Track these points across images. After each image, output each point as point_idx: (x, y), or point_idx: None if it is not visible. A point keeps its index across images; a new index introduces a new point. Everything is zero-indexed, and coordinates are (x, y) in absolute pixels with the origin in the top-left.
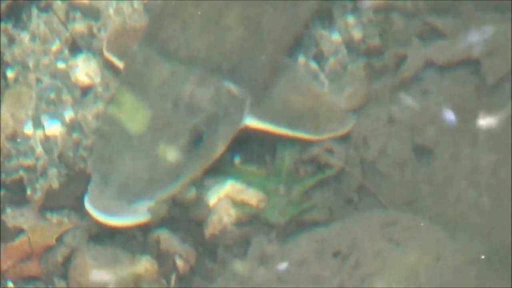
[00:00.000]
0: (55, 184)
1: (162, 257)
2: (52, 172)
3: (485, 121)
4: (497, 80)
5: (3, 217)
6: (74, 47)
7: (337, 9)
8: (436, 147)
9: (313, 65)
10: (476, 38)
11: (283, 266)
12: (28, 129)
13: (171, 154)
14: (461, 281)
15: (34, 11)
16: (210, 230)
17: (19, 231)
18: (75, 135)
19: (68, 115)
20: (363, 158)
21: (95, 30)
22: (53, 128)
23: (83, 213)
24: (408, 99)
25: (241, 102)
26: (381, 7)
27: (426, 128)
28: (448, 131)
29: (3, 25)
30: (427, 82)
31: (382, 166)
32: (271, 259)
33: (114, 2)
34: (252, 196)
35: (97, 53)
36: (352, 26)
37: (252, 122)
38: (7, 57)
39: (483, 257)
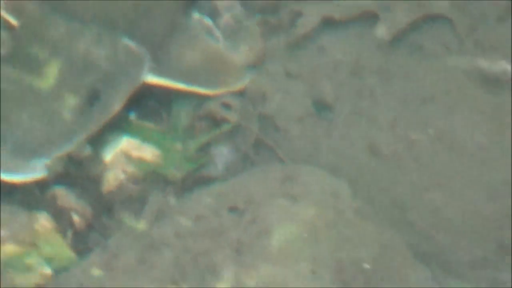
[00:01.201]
0: None
1: (59, 214)
2: None
3: (383, 76)
4: (394, 35)
5: None
6: None
7: None
8: (335, 102)
9: (208, 22)
10: None
11: (180, 221)
12: None
13: (67, 112)
14: (361, 236)
15: None
16: (106, 186)
17: None
18: None
19: None
20: (261, 113)
21: None
22: None
23: None
24: (305, 56)
25: (139, 59)
26: None
27: (325, 84)
28: (347, 87)
29: None
30: (323, 39)
31: (280, 121)
32: (168, 215)
33: None
34: (148, 153)
35: None
36: None
37: (150, 79)
38: None
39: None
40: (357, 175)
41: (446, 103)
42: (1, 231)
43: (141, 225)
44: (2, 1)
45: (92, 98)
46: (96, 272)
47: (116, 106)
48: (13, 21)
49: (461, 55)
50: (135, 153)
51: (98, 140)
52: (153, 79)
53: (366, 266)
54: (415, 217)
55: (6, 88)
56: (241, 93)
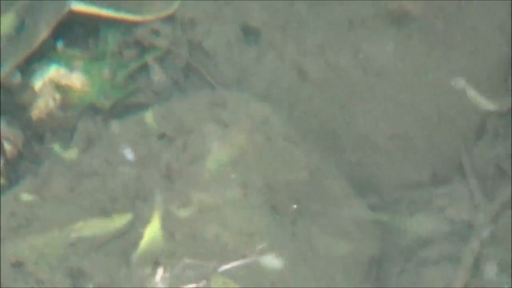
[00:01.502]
0: None
1: None
2: None
3: (311, 1)
4: None
5: None
6: None
7: None
8: (264, 27)
9: None
10: None
11: (109, 149)
12: None
13: None
14: (291, 161)
15: None
16: (36, 114)
17: None
18: None
19: None
20: (189, 39)
21: None
22: None
23: None
24: None
25: None
26: None
27: (253, 9)
28: (275, 12)
29: None
30: None
31: (210, 47)
32: (97, 142)
33: None
34: (76, 80)
35: None
36: None
37: (76, 6)
38: None
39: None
40: (286, 101)
41: (374, 27)
42: None
43: (71, 153)
44: None
45: (21, 26)
46: (27, 198)
47: (42, 34)
48: None
49: None
50: (63, 81)
51: (27, 69)
52: (79, 7)
53: (294, 206)
54: (345, 142)
55: None
56: (170, 19)
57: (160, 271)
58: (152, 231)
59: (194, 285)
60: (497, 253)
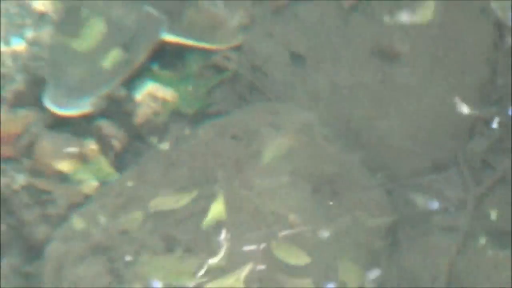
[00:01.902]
0: (21, 87)
1: (102, 140)
2: (19, 78)
3: (341, 33)
4: (351, 4)
5: None
6: None
7: None
8: (309, 54)
9: None
10: None
11: (193, 146)
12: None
13: (106, 62)
14: (327, 155)
15: None
16: (137, 119)
17: None
18: (34, 50)
19: (29, 34)
20: (252, 63)
21: None
22: (18, 45)
23: (43, 108)
24: (283, 20)
25: (157, 22)
26: None
27: (299, 40)
28: (315, 42)
29: None
30: (297, 8)
31: (267, 69)
32: (184, 141)
33: None
34: (168, 94)
35: None
36: None
37: (167, 37)
38: None
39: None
40: (324, 109)
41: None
42: (59, 153)
43: (163, 148)
44: None
45: (124, 51)
46: (130, 183)
47: (141, 57)
48: None
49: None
50: (158, 94)
51: (130, 85)
52: (169, 37)
53: (330, 203)
54: (367, 140)
55: (59, 45)
56: (237, 48)
57: (224, 234)
58: (221, 206)
59: (251, 251)
60: (485, 224)
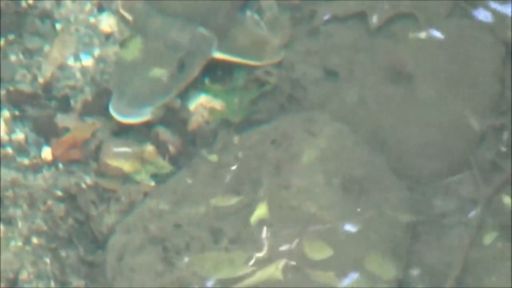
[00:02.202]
0: (89, 98)
1: (160, 144)
2: (87, 89)
3: (369, 52)
4: (379, 25)
5: (55, 120)
6: (100, 7)
7: None
8: (340, 70)
9: (256, 17)
10: None
11: (238, 149)
12: (71, 62)
13: (164, 77)
14: (357, 158)
15: None
16: (191, 126)
17: (67, 129)
18: (101, 65)
19: (97, 52)
20: (291, 77)
21: None
22: (87, 61)
23: (108, 117)
24: (318, 39)
25: (209, 42)
26: None
27: (332, 58)
28: (346, 60)
29: None
30: (331, 28)
31: (304, 83)
32: (230, 145)
33: None
34: (217, 104)
35: (115, 11)
36: None
37: (217, 55)
38: (57, 15)
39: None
40: (353, 119)
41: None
42: (121, 156)
43: (213, 152)
44: (119, 2)
45: (180, 67)
46: (183, 183)
47: (194, 72)
48: (128, 16)
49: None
50: (209, 105)
51: (185, 96)
52: (219, 55)
53: (358, 210)
54: (391, 146)
55: (123, 61)
56: (278, 64)
57: (265, 230)
58: (265, 208)
59: (287, 245)
60: (495, 221)
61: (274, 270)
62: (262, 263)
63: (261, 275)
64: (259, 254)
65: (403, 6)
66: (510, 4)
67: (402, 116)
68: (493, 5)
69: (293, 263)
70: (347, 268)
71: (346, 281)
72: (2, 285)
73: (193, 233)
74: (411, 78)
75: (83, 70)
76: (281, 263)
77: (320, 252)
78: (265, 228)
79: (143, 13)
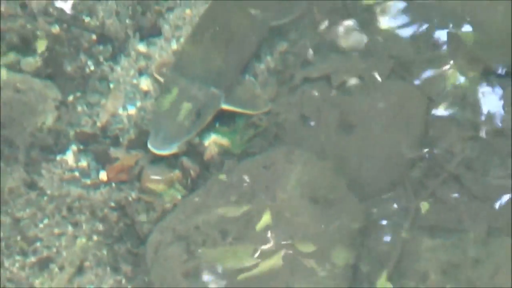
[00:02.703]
0: (133, 136)
1: (183, 170)
2: (132, 130)
3: (331, 107)
4: (339, 84)
5: (109, 152)
6: (140, 72)
7: (263, 53)
8: (312, 117)
9: (252, 79)
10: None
11: (240, 173)
12: (120, 111)
13: (186, 121)
14: (325, 177)
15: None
16: (206, 157)
17: (117, 159)
18: (141, 113)
19: (139, 104)
20: (276, 122)
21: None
22: (132, 110)
23: (147, 150)
24: (296, 95)
25: (218, 97)
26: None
27: (306, 107)
28: (319, 108)
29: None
30: (305, 86)
31: (286, 126)
32: (234, 170)
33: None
34: (224, 141)
35: (151, 75)
36: (269, 61)
37: (224, 106)
38: (110, 77)
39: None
40: (321, 152)
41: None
42: (156, 178)
43: (223, 176)
44: (153, 68)
45: (198, 115)
46: (198, 199)
47: (208, 118)
48: (160, 79)
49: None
50: (218, 141)
51: (202, 135)
52: (226, 106)
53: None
54: (348, 170)
55: (157, 110)
56: (267, 113)
57: (264, 231)
58: (269, 216)
59: (281, 242)
60: (421, 223)
61: (277, 260)
62: (262, 256)
63: (265, 264)
64: (262, 247)
65: (355, 70)
66: (433, 68)
67: (356, 149)
68: (420, 69)
69: (290, 251)
70: (320, 257)
71: (322, 266)
72: (72, 271)
73: (208, 233)
74: (363, 122)
75: (129, 117)
76: (281, 253)
77: (308, 247)
78: (264, 230)
79: (171, 76)
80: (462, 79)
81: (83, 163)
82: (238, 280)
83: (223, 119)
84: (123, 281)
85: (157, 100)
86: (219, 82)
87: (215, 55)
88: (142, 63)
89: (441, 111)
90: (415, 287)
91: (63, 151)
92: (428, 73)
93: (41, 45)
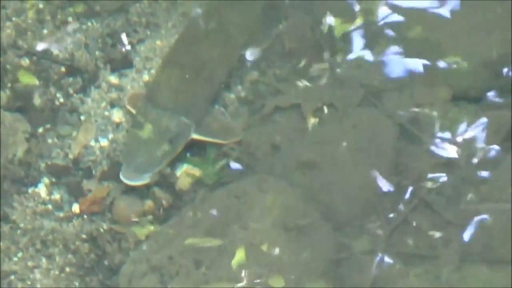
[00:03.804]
0: (106, 168)
1: (156, 200)
2: (104, 162)
3: (301, 135)
4: (309, 112)
5: (81, 184)
6: (112, 104)
7: (233, 82)
8: (282, 145)
9: (222, 109)
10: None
11: (212, 202)
12: (92, 143)
13: (158, 152)
14: (297, 209)
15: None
16: (178, 187)
17: (89, 191)
18: (114, 145)
19: (111, 136)
20: (248, 151)
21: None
22: (104, 142)
23: (119, 181)
24: (266, 125)
25: (189, 127)
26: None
27: (276, 136)
28: (288, 136)
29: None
30: (276, 116)
31: (257, 155)
32: (207, 199)
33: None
34: (196, 171)
35: (123, 106)
36: (239, 91)
37: (195, 136)
38: (81, 109)
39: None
40: (293, 180)
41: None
42: (128, 209)
43: (194, 204)
44: (126, 100)
45: (169, 145)
46: (171, 230)
47: (179, 148)
48: (132, 110)
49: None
50: (190, 172)
51: (173, 166)
52: (196, 136)
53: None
54: (321, 198)
55: (128, 142)
56: (238, 142)
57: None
58: (243, 253)
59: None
60: (394, 249)
61: None
62: None
63: None
64: (236, 283)
65: (326, 98)
66: (403, 96)
67: (328, 178)
68: (390, 96)
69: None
70: None
71: None
72: None
73: (181, 263)
74: (334, 150)
75: (101, 149)
76: None
77: (279, 283)
78: (237, 265)
79: (142, 108)
80: (432, 106)
81: (56, 196)
82: None
83: (195, 149)
84: None
85: (129, 131)
86: (189, 112)
87: (185, 85)
88: (114, 94)
89: (411, 138)
90: None
91: (35, 183)
92: (398, 101)
93: (10, 78)
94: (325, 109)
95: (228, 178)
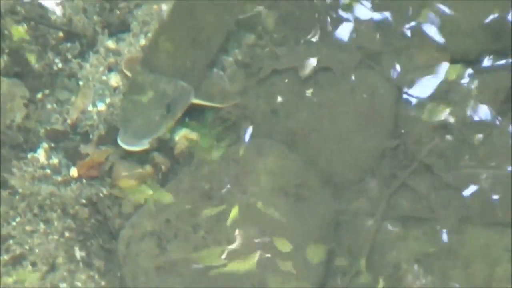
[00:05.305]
0: (103, 132)
1: (155, 165)
2: (101, 127)
3: (299, 99)
4: (306, 76)
5: (80, 149)
6: (110, 69)
7: (230, 46)
8: (280, 109)
9: (220, 72)
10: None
11: (209, 166)
12: (90, 108)
13: (156, 116)
14: (295, 170)
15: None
16: (176, 151)
17: (87, 155)
18: (111, 109)
19: (108, 100)
20: (245, 115)
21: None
22: (101, 107)
23: (117, 146)
24: (264, 88)
25: (188, 91)
26: (251, 44)
27: (274, 99)
28: (286, 100)
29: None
30: (274, 79)
31: (255, 119)
32: (204, 164)
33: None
34: (194, 136)
35: (120, 71)
36: (237, 54)
37: (194, 100)
38: (79, 75)
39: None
40: (292, 143)
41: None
42: (128, 174)
43: (190, 168)
44: (123, 64)
45: (168, 110)
46: (169, 198)
47: (178, 113)
48: (129, 74)
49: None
50: (188, 136)
51: (172, 130)
52: (195, 100)
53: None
54: (319, 162)
55: (126, 105)
56: (236, 106)
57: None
58: (237, 211)
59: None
60: (393, 213)
61: (250, 257)
62: (235, 252)
63: (238, 261)
64: (234, 243)
65: (323, 61)
66: (401, 58)
67: (326, 141)
68: (388, 59)
69: (264, 249)
70: (294, 254)
71: (296, 264)
72: (45, 268)
73: (179, 227)
74: (332, 113)
75: (99, 114)
76: (255, 251)
77: (285, 246)
78: (234, 225)
79: (140, 72)
80: (430, 69)
81: (54, 160)
82: (210, 276)
83: (193, 113)
84: (96, 276)
85: (126, 95)
86: (187, 77)
87: (183, 49)
88: (111, 59)
89: (410, 101)
90: (388, 277)
91: (34, 149)
92: (396, 63)
93: (7, 44)
94: (323, 72)
95: (226, 142)
